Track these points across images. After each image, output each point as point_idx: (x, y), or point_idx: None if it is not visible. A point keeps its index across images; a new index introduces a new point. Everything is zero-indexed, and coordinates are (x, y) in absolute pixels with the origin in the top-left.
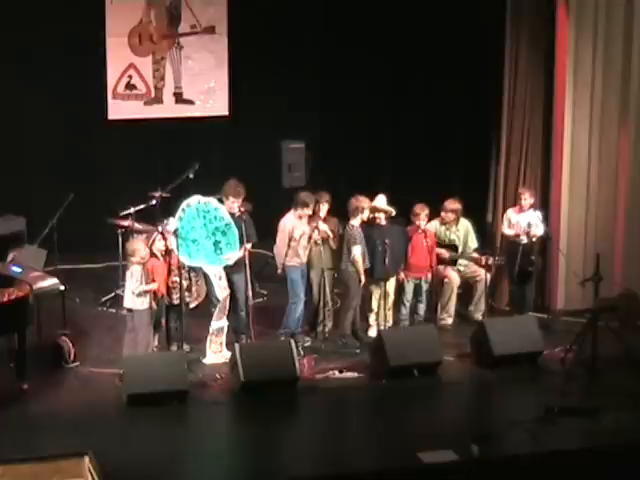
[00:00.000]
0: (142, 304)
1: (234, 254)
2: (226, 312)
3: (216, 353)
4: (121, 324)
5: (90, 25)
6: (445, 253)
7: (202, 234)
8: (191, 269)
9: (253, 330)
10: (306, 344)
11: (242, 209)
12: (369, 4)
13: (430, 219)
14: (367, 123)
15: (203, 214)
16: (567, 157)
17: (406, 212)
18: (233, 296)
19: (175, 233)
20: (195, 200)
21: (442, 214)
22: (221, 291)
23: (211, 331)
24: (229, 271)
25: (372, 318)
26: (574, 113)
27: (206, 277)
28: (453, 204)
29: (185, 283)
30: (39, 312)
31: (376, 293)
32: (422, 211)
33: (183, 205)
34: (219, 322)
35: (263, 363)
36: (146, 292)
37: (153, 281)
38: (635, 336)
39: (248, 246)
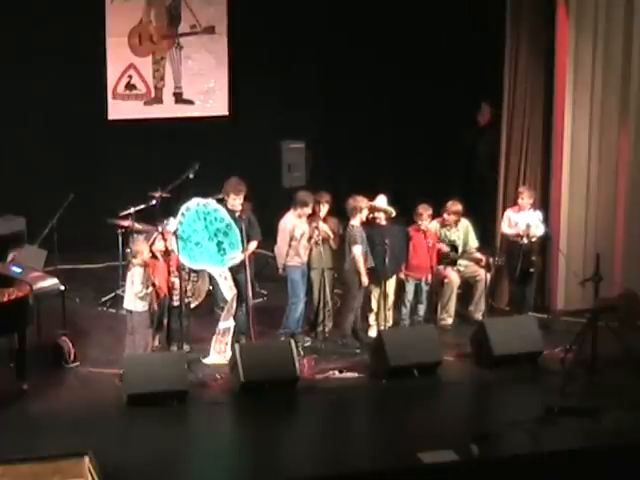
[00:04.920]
0: (142, 306)
1: (238, 254)
2: (233, 312)
3: (220, 353)
4: (121, 324)
5: (90, 25)
6: (445, 247)
7: (204, 236)
8: (191, 270)
9: (253, 330)
10: (306, 344)
11: (243, 208)
12: (369, 4)
13: (432, 219)
14: (367, 123)
15: (204, 216)
16: (567, 157)
17: (406, 212)
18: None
19: (175, 233)
20: (194, 203)
21: (445, 216)
22: (228, 291)
23: (217, 331)
24: (232, 271)
25: (372, 318)
26: (574, 113)
27: (211, 279)
28: (455, 206)
29: (184, 284)
30: (39, 312)
31: (375, 293)
32: (425, 211)
33: (182, 209)
34: (226, 322)
35: (263, 363)
36: (148, 295)
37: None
38: (635, 336)
39: (253, 244)
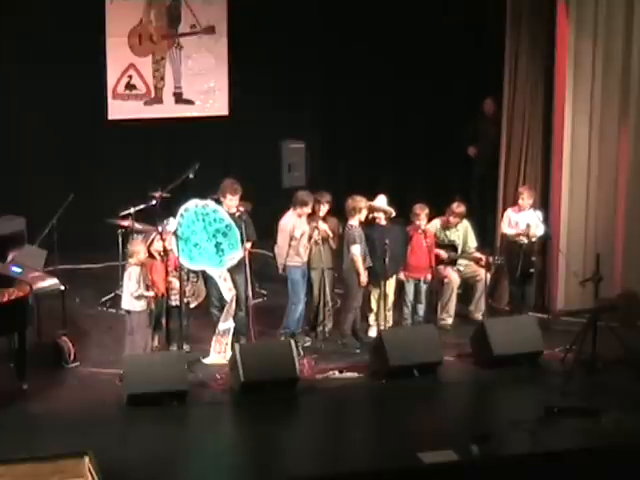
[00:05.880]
0: (140, 306)
1: (237, 254)
2: (232, 313)
3: (220, 353)
4: (121, 324)
5: (90, 25)
6: (443, 254)
7: (203, 237)
8: (190, 270)
9: (253, 330)
10: (306, 344)
11: (241, 209)
12: (369, 4)
13: (430, 219)
14: (367, 123)
15: (202, 217)
16: (567, 157)
17: (406, 212)
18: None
19: (175, 233)
20: (192, 204)
21: (450, 218)
22: (227, 292)
23: (217, 332)
24: (230, 271)
25: (372, 318)
26: (574, 113)
27: (210, 279)
28: (460, 207)
29: (184, 284)
30: (39, 312)
31: (375, 293)
32: (422, 211)
33: (181, 210)
34: (226, 323)
35: (263, 363)
36: (145, 296)
37: (153, 283)
38: (635, 336)
39: (248, 245)
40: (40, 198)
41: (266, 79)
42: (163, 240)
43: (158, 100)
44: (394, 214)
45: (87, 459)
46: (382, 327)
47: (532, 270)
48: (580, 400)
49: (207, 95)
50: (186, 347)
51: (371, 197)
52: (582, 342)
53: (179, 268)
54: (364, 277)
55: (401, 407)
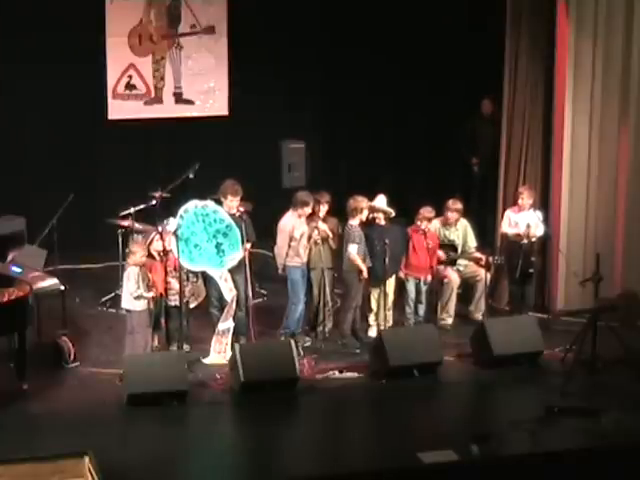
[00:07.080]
0: (140, 306)
1: (237, 254)
2: (232, 313)
3: (220, 353)
4: (121, 324)
5: (90, 25)
6: (443, 255)
7: (203, 238)
8: (190, 270)
9: (253, 330)
10: (306, 344)
11: (242, 209)
12: (369, 4)
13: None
14: (367, 123)
15: (202, 218)
16: (567, 157)
17: (406, 212)
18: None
19: (175, 233)
20: (192, 205)
21: (447, 214)
22: (228, 293)
23: (217, 332)
24: (230, 271)
25: (372, 318)
26: (574, 113)
27: (210, 280)
28: (456, 204)
29: (184, 284)
30: (39, 312)
31: (375, 293)
32: (425, 213)
33: (180, 212)
34: (226, 323)
35: (263, 363)
36: (144, 297)
37: (153, 283)
38: (635, 336)
39: (247, 246)
40: (40, 198)
41: (266, 79)
42: (163, 240)
43: (158, 100)
44: (393, 214)
45: (87, 459)
46: (382, 327)
47: (532, 270)
48: (580, 400)
49: (207, 95)
50: (186, 347)
51: (371, 197)
52: (582, 342)
53: (179, 268)
54: (365, 272)
55: (401, 407)
